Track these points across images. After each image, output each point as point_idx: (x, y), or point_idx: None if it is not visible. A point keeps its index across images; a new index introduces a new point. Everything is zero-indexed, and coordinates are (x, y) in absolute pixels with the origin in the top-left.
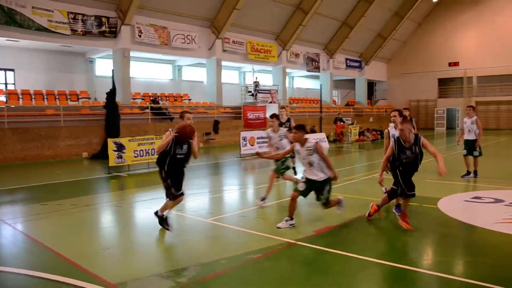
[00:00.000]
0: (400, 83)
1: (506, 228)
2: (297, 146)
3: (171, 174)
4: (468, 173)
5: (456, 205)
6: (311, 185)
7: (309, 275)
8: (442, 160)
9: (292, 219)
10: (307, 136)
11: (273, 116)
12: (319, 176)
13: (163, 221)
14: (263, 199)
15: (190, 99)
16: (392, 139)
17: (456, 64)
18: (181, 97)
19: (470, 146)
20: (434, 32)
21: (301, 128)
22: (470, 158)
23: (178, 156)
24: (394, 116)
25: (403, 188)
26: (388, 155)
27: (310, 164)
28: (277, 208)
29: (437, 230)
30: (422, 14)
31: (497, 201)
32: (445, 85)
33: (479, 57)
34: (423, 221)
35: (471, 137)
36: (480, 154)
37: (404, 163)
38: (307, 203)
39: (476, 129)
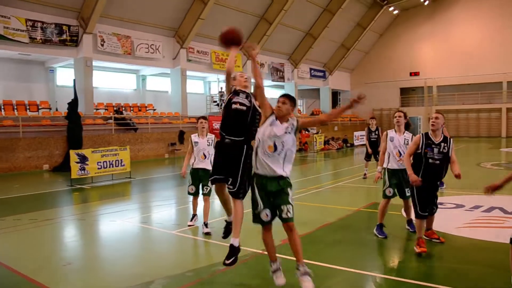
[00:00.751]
0: (363, 92)
1: (467, 232)
2: (273, 118)
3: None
4: None
5: None
6: (266, 195)
7: (276, 285)
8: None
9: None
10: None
11: (204, 118)
12: (276, 171)
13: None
14: (193, 217)
15: (154, 109)
16: (419, 134)
17: (416, 74)
18: (145, 107)
19: None
20: (395, 43)
21: (292, 99)
22: None
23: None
24: (399, 117)
25: (415, 205)
26: (411, 152)
27: (274, 148)
28: (245, 219)
29: (401, 236)
30: (383, 25)
31: (458, 206)
32: (407, 94)
33: (437, 67)
34: (387, 227)
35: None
36: None
37: (429, 165)
38: None
39: None
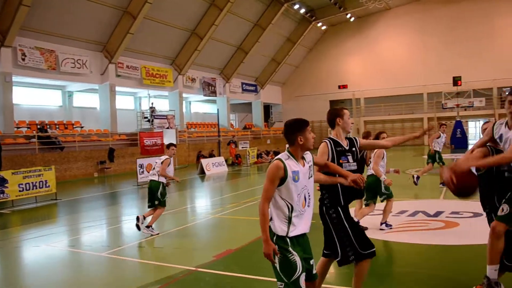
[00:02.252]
0: (294, 106)
1: (394, 236)
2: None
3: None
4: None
5: None
6: None
7: None
8: None
9: None
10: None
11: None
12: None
13: None
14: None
15: (82, 127)
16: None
17: (345, 86)
18: (72, 124)
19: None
20: (324, 57)
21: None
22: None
23: None
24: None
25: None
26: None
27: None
28: (178, 235)
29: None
30: (312, 40)
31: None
32: (336, 106)
33: (364, 80)
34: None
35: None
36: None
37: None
38: (207, 226)
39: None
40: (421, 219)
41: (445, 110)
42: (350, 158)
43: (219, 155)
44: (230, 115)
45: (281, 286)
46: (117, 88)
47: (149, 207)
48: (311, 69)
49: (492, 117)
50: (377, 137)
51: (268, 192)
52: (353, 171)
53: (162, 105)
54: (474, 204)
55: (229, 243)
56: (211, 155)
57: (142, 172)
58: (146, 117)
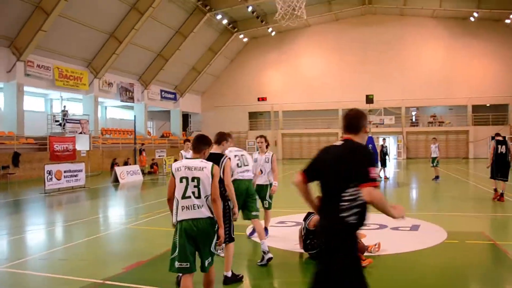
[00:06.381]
0: (213, 115)
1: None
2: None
3: None
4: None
5: None
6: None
7: None
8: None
9: None
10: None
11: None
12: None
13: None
14: None
15: None
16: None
17: (264, 99)
18: None
19: None
20: (245, 68)
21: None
22: None
23: None
24: (261, 143)
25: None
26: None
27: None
28: (86, 246)
29: (246, 257)
30: (234, 51)
31: (298, 224)
32: (255, 118)
33: (283, 94)
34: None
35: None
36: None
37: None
38: (119, 236)
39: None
40: None
41: None
42: None
43: (135, 163)
44: (147, 122)
45: None
46: (26, 88)
47: None
48: (232, 80)
49: (400, 134)
50: None
51: None
52: None
53: (76, 109)
54: (379, 217)
55: (141, 254)
56: (126, 163)
57: (51, 179)
58: (58, 121)
